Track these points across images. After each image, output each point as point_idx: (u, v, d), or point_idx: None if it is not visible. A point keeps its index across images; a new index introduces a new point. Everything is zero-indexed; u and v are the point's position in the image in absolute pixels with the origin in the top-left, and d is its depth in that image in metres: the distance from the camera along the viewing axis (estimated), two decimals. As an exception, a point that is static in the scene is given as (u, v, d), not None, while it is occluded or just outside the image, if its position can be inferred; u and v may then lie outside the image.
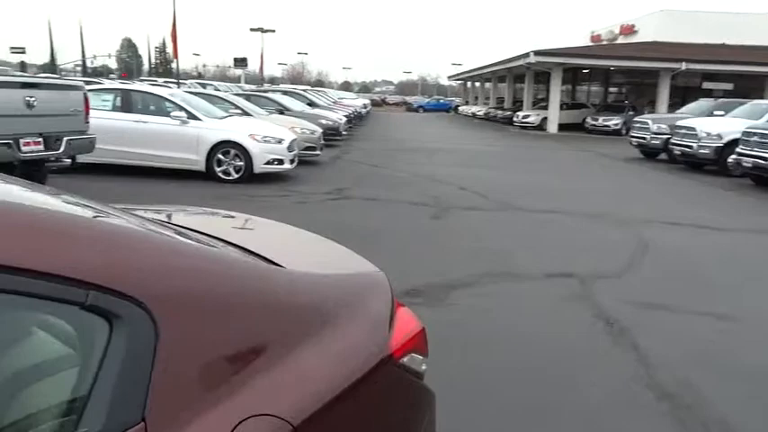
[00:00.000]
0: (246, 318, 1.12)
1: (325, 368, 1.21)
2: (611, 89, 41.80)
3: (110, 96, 10.04)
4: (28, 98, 6.56)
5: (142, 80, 32.07)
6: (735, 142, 12.49)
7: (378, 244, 6.21)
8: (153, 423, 0.92)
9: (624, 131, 25.62)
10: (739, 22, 34.81)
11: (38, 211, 1.01)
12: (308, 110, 17.91)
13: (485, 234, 7.05)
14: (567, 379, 3.39)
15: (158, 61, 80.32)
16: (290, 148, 10.13)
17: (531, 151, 19.74)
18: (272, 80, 68.63)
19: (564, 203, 9.22)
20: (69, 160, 7.69)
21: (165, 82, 26.42)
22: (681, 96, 28.74)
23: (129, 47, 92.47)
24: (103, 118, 8.99)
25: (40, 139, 6.78)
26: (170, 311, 0.98)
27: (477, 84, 58.21)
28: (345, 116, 20.43)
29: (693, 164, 14.46)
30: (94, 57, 65.07)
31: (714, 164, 13.72)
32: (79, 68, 53.75)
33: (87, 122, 7.57)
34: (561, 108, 31.12)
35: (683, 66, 28.26)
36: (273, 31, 53.71)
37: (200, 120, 9.72)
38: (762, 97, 23.59)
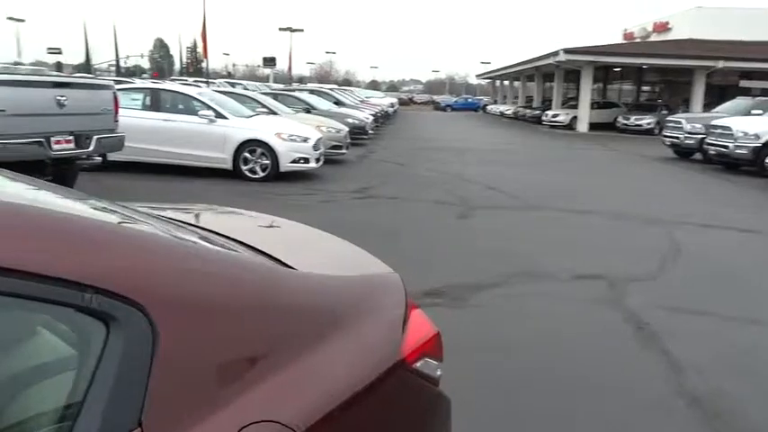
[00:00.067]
0: (251, 322, 1.08)
1: (334, 373, 1.17)
2: (644, 88, 40.92)
3: (139, 95, 10.19)
4: (59, 97, 6.68)
5: (173, 80, 32.59)
6: (773, 142, 12.10)
7: (401, 243, 6.17)
8: (150, 428, 0.88)
9: (657, 131, 25.03)
10: (778, 18, 33.74)
11: (33, 210, 0.99)
12: (335, 109, 17.94)
13: (512, 234, 6.94)
14: (593, 384, 3.29)
15: (189, 61, 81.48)
16: (315, 147, 10.15)
17: (560, 151, 19.45)
18: (301, 79, 69.07)
19: (594, 204, 9.03)
20: (100, 158, 7.82)
21: (194, 81, 26.76)
22: (717, 95, 27.96)
23: (161, 47, 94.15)
24: (133, 117, 9.12)
25: (71, 138, 6.90)
26: (170, 315, 0.95)
27: (506, 82, 57.70)
28: (372, 115, 20.42)
29: (729, 164, 14.06)
30: (127, 57, 66.38)
31: (751, 164, 13.31)
32: (113, 68, 54.83)
33: (117, 121, 7.67)
34: (592, 107, 30.60)
35: (720, 63, 27.51)
36: (302, 30, 54.08)
37: (227, 118, 9.79)
38: (802, 95, 22.81)
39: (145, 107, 9.92)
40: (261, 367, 1.06)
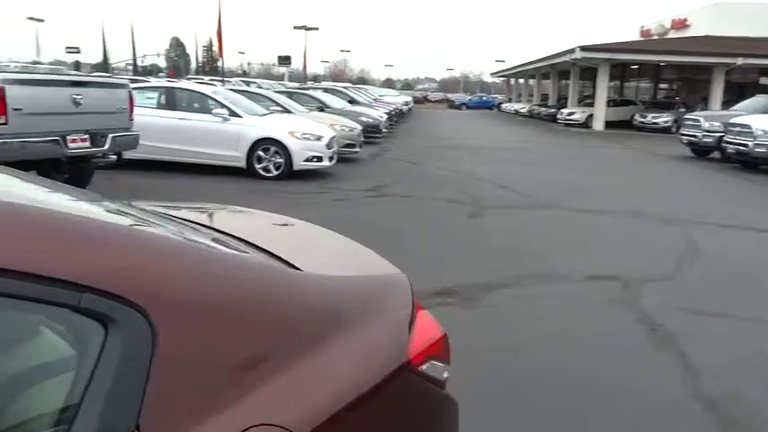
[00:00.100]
0: (253, 324, 1.07)
1: (337, 375, 1.15)
2: (662, 85, 40.42)
3: (154, 94, 10.27)
4: (75, 96, 6.75)
5: (189, 78, 32.82)
6: (794, 140, 11.88)
7: (413, 242, 6.14)
8: (148, 431, 0.87)
9: (674, 129, 24.69)
10: (800, 14, 33.14)
11: (32, 210, 0.98)
12: (349, 107, 17.93)
13: (524, 234, 6.88)
14: (606, 386, 3.24)
15: (205, 60, 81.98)
16: (329, 146, 10.15)
17: (574, 149, 19.27)
18: (315, 78, 69.20)
19: (609, 203, 8.93)
20: (115, 156, 7.89)
21: (210, 80, 26.95)
22: (736, 93, 27.52)
23: (177, 46, 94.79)
24: (148, 115, 9.19)
25: (87, 136, 6.97)
26: (171, 317, 0.94)
27: (521, 81, 57.33)
28: (386, 113, 20.39)
29: (748, 163, 13.83)
30: (144, 56, 66.93)
31: (771, 163, 13.09)
32: (130, 67, 55.36)
33: (132, 120, 7.74)
34: (608, 105, 30.29)
35: (739, 60, 27.07)
36: (317, 29, 54.27)
37: (241, 117, 9.83)
38: (824, 93, 22.38)
39: (160, 106, 9.99)
40: (262, 370, 1.05)
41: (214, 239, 1.39)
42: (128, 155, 8.72)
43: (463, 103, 62.65)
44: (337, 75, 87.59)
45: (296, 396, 1.07)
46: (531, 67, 43.55)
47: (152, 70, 66.59)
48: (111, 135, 7.25)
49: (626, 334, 3.97)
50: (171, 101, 10.09)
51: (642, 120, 28.57)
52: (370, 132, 16.11)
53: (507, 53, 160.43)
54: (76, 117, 6.82)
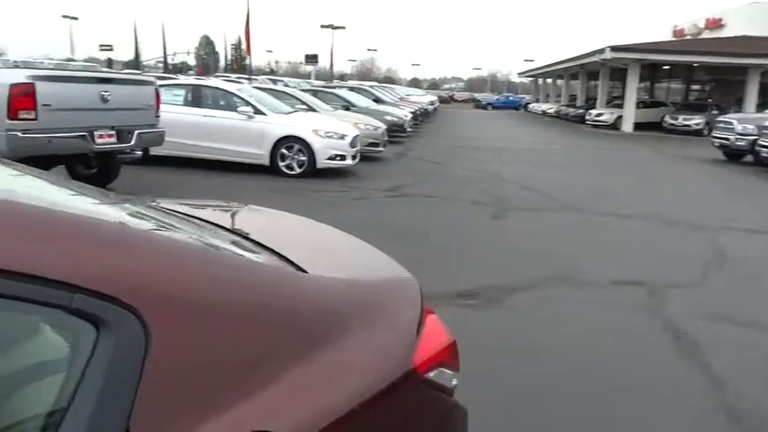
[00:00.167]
0: (251, 327, 1.04)
1: (338, 381, 1.12)
2: (694, 87, 39.55)
3: (181, 91, 10.38)
4: (103, 92, 6.84)
5: (217, 76, 33.15)
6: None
7: (433, 243, 6.09)
8: None
9: (706, 132, 24.12)
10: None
11: (25, 208, 0.97)
12: (374, 106, 17.91)
13: (548, 236, 6.77)
14: (626, 395, 3.16)
15: (234, 58, 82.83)
16: (352, 144, 10.14)
17: (602, 151, 18.96)
18: (342, 76, 69.40)
19: (636, 206, 8.75)
20: (141, 152, 7.99)
21: (237, 78, 27.18)
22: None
23: (206, 44, 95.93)
24: (174, 112, 9.28)
25: (113, 132, 7.06)
26: (166, 319, 0.92)
27: (549, 81, 56.68)
28: (411, 113, 20.32)
29: (783, 167, 13.45)
30: (174, 54, 67.92)
31: (807, 168, 12.70)
32: (161, 65, 56.22)
33: (158, 116, 7.82)
34: (637, 106, 29.74)
35: (775, 62, 26.36)
36: (344, 27, 54.36)
37: (265, 115, 9.88)
38: None
39: (186, 103, 10.09)
40: (259, 374, 1.02)
41: (219, 239, 1.37)
42: (154, 151, 8.84)
43: (489, 103, 62.23)
44: (364, 74, 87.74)
45: (294, 402, 1.04)
46: (559, 67, 43.02)
47: (182, 68, 67.49)
48: (137, 131, 7.34)
49: (649, 341, 3.87)
50: (197, 98, 10.20)
51: (673, 122, 27.99)
52: (395, 131, 16.07)
53: (536, 53, 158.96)
54: (103, 113, 6.92)
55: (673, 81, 40.60)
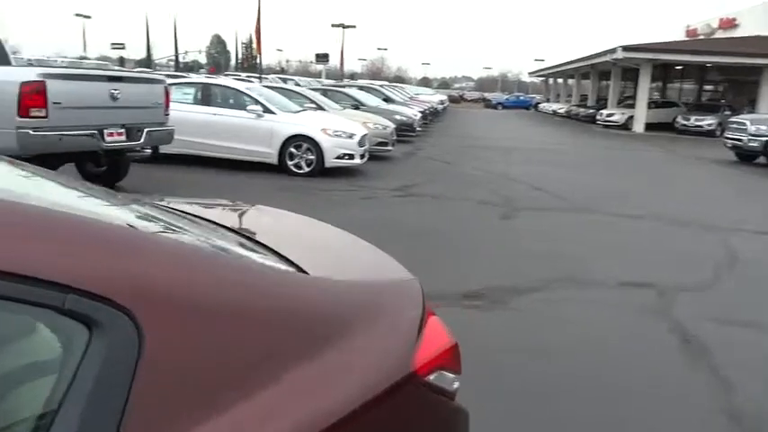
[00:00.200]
0: (248, 328, 1.03)
1: (338, 382, 1.10)
2: (707, 87, 39.19)
3: (191, 90, 10.41)
4: (113, 91, 6.87)
5: (227, 75, 33.28)
6: None
7: (441, 243, 6.07)
8: None
9: (718, 133, 23.89)
10: None
11: (17, 207, 0.96)
12: (383, 105, 17.90)
13: (558, 237, 6.73)
14: (634, 396, 3.12)
15: (244, 57, 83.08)
16: (360, 143, 10.13)
17: (613, 152, 18.84)
18: (352, 75, 69.45)
19: (646, 207, 8.68)
20: (150, 150, 8.02)
21: (247, 76, 27.26)
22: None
23: (218, 43, 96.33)
24: (184, 111, 9.32)
25: (123, 130, 7.09)
26: (160, 321, 0.91)
27: (560, 80, 56.39)
28: (420, 112, 20.28)
29: (796, 169, 13.29)
30: (186, 52, 68.19)
31: (821, 169, 12.54)
32: (172, 63, 56.49)
33: (167, 115, 7.85)
34: (649, 107, 29.50)
35: (790, 62, 26.04)
36: (354, 26, 54.32)
37: (274, 113, 9.89)
38: None
39: (196, 101, 10.12)
40: (259, 375, 1.01)
41: (219, 239, 1.36)
42: (163, 149, 8.87)
43: (499, 103, 62.01)
44: (375, 73, 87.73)
45: (291, 406, 1.02)
46: (570, 66, 42.78)
47: (193, 66, 67.77)
48: (146, 129, 7.36)
49: (655, 344, 3.83)
50: (206, 97, 10.23)
51: (685, 122, 27.75)
52: (404, 131, 16.04)
53: (547, 52, 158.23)
54: (113, 111, 6.94)
55: (685, 81, 40.25)
